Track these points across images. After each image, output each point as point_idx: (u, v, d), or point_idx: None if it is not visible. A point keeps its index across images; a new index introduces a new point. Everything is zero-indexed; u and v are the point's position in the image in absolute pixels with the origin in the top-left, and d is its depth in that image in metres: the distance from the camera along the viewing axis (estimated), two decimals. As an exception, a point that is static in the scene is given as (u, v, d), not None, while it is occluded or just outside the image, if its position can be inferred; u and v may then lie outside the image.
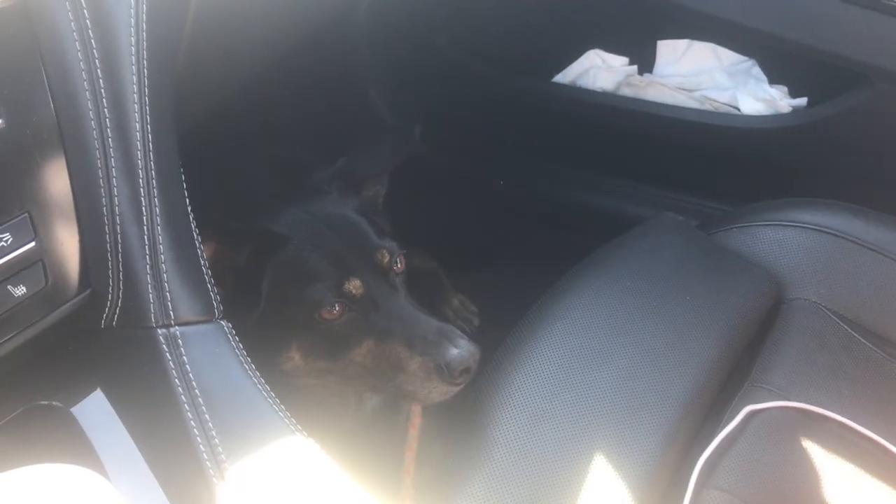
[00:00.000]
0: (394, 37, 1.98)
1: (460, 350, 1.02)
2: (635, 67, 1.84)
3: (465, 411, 1.16)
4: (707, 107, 1.75)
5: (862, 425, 1.15)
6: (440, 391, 1.06)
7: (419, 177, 2.22)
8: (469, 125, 2.18)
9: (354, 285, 1.06)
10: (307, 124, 1.85)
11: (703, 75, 1.78)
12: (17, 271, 0.72)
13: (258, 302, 1.06)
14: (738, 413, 1.16)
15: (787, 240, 1.40)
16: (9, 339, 0.75)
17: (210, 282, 0.81)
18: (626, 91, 1.83)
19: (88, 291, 0.79)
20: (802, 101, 1.67)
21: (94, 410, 0.80)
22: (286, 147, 1.57)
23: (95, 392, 0.81)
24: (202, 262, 0.81)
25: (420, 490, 1.27)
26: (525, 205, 2.15)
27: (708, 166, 1.82)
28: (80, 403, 0.80)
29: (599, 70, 1.85)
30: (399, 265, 1.14)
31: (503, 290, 1.91)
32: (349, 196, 1.20)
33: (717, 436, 1.13)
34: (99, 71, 0.75)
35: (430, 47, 1.99)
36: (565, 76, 1.91)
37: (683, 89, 1.79)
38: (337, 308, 1.05)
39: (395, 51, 2.02)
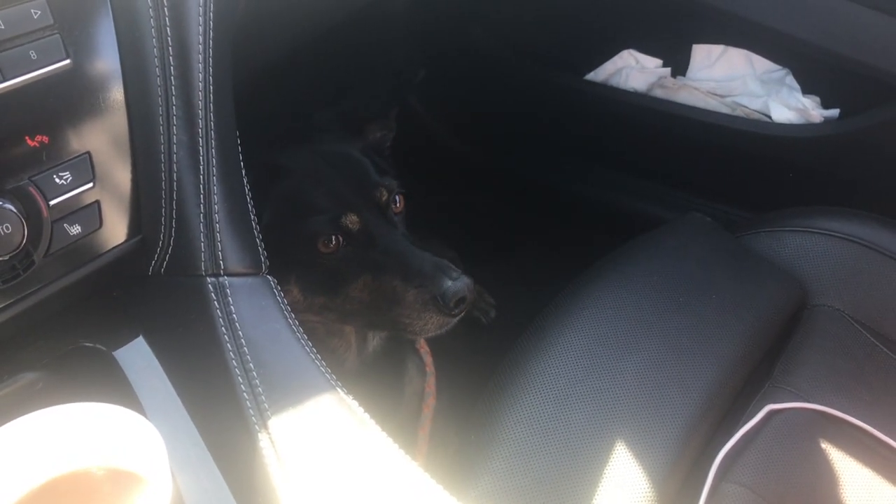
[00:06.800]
0: (431, 21, 1.99)
1: (455, 281, 1.03)
2: (668, 70, 1.84)
3: (486, 391, 1.17)
4: (738, 113, 1.75)
5: (881, 431, 1.16)
6: (436, 322, 1.07)
7: (442, 166, 2.24)
8: (495, 116, 2.18)
9: (352, 220, 1.07)
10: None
11: (735, 81, 1.78)
12: (73, 210, 0.73)
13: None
14: (758, 411, 1.16)
15: (814, 246, 1.41)
16: (59, 278, 0.75)
17: (259, 237, 0.82)
18: (658, 93, 1.84)
19: (139, 237, 0.79)
20: (834, 112, 1.68)
21: (136, 355, 0.80)
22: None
23: (138, 338, 0.82)
24: (252, 217, 0.82)
25: (432, 471, 1.28)
26: (547, 200, 2.15)
27: (735, 172, 1.82)
28: (122, 348, 0.81)
29: (632, 70, 1.86)
30: (398, 205, 1.15)
31: (520, 284, 1.92)
32: (351, 136, 1.22)
33: (737, 432, 1.14)
34: (167, 19, 0.76)
35: (466, 35, 2.00)
36: (597, 74, 1.91)
37: (715, 94, 1.79)
38: (334, 241, 1.06)
39: (430, 35, 2.02)
